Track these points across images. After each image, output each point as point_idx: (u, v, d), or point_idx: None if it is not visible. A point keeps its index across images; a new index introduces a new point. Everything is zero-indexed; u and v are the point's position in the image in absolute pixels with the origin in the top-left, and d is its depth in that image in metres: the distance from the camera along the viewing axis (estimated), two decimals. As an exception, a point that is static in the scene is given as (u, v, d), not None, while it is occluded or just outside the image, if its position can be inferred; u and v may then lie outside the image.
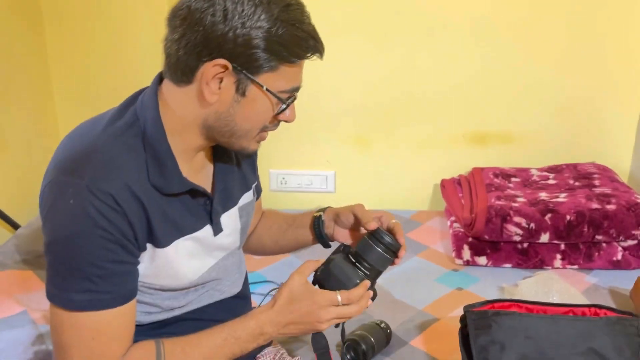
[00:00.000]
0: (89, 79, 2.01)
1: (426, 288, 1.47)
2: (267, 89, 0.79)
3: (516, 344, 0.98)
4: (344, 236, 1.04)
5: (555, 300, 1.29)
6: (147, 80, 0.88)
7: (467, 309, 1.03)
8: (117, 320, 0.80)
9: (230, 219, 0.93)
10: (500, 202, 1.60)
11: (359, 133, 2.01)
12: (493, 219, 1.53)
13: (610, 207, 1.53)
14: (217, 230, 0.90)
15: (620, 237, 1.50)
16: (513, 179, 1.82)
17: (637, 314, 1.24)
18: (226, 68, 0.77)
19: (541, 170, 1.87)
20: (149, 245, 0.82)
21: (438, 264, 1.61)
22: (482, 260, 1.56)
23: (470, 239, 1.57)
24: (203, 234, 0.88)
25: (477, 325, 1.00)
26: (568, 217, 1.51)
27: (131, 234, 0.78)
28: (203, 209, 0.88)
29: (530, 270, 1.54)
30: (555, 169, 1.86)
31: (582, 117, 1.93)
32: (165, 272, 0.85)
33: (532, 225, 1.51)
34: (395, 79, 1.95)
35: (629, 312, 1.01)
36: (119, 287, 0.79)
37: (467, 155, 1.99)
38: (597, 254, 1.53)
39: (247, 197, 0.98)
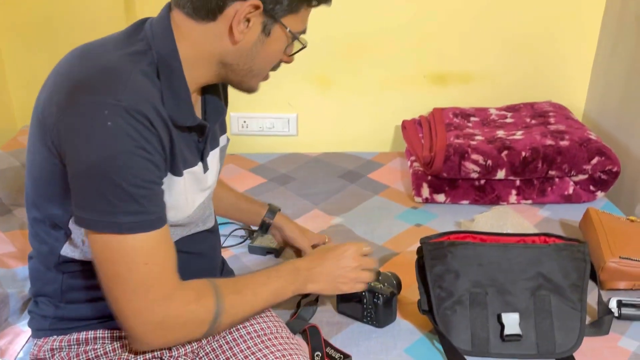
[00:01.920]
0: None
1: (386, 225, 1.50)
2: (289, 31, 0.83)
3: (469, 271, 1.02)
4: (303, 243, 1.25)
5: (509, 232, 1.33)
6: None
7: (423, 240, 1.06)
8: (165, 244, 0.79)
9: (214, 158, 0.94)
10: (458, 141, 1.62)
11: (320, 75, 1.99)
12: (451, 157, 1.56)
13: (564, 143, 1.57)
14: (206, 168, 0.91)
15: (572, 172, 1.55)
16: (472, 119, 1.85)
17: (591, 237, 1.31)
18: (257, 8, 0.78)
19: (499, 109, 1.90)
20: (168, 173, 0.82)
21: (398, 202, 1.64)
22: (441, 197, 1.60)
23: (429, 177, 1.60)
24: (197, 170, 0.88)
25: (432, 256, 1.03)
26: (523, 154, 1.55)
27: (163, 157, 0.78)
28: (196, 146, 0.88)
29: (487, 206, 1.59)
30: (513, 108, 1.89)
31: (540, 55, 1.95)
32: (176, 202, 0.84)
33: (489, 162, 1.54)
34: (356, 20, 1.92)
35: (576, 239, 1.06)
36: (161, 208, 0.78)
37: (428, 95, 2.00)
38: (550, 188, 1.58)
39: (224, 139, 1.00)
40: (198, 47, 0.81)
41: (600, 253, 1.20)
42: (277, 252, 1.33)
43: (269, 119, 2.04)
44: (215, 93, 0.92)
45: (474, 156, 1.55)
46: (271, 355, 0.89)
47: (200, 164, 0.88)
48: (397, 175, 1.79)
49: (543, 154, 1.54)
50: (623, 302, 1.10)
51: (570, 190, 1.58)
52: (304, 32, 0.87)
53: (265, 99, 2.02)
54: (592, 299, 1.12)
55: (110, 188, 0.73)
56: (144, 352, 0.87)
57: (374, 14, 1.91)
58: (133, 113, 0.73)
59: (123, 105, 0.72)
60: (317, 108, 2.03)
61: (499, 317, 1.00)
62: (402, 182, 1.74)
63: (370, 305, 1.07)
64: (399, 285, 1.14)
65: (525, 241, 1.08)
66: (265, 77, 0.91)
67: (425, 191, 1.60)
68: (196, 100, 0.89)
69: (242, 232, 1.43)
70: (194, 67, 0.82)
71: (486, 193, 1.59)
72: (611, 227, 1.26)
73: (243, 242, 1.39)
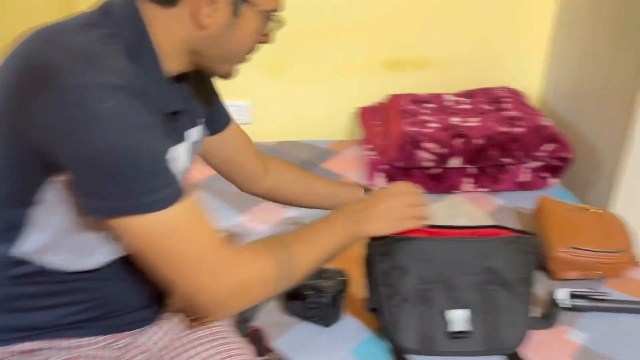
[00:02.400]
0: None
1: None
2: (261, 9, 0.78)
3: (416, 267, 0.98)
4: None
5: (463, 222, 1.31)
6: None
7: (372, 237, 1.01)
8: (201, 211, 0.74)
9: (182, 154, 0.85)
10: (413, 129, 1.58)
11: (274, 61, 1.92)
12: (406, 146, 1.52)
13: (518, 130, 1.55)
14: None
15: (526, 159, 1.54)
16: (428, 105, 1.81)
17: (539, 231, 1.29)
18: None
19: (456, 95, 1.86)
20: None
21: (353, 192, 1.59)
22: (395, 187, 1.56)
23: (384, 166, 1.56)
24: None
25: (379, 252, 0.99)
26: (477, 141, 1.52)
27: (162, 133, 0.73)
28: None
29: (442, 194, 1.56)
30: (469, 94, 1.86)
31: (496, 40, 1.92)
32: None
33: (444, 150, 1.51)
34: (310, 5, 1.85)
35: (527, 232, 1.03)
36: (179, 180, 0.73)
37: (384, 81, 1.96)
38: (504, 176, 1.56)
39: (197, 133, 0.90)
40: (165, 34, 0.75)
41: (551, 242, 1.19)
42: None
43: (220, 107, 1.96)
44: (186, 82, 0.84)
45: (428, 144, 1.51)
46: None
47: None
48: (353, 164, 1.74)
49: (497, 141, 1.52)
50: (574, 293, 1.08)
51: (525, 178, 1.57)
52: (275, 10, 0.82)
53: (218, 86, 1.94)
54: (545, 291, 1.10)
55: (128, 170, 0.67)
56: None
57: (328, 1, 1.84)
58: (125, 90, 0.67)
59: (112, 84, 0.67)
60: (271, 96, 1.97)
61: (446, 314, 0.97)
62: (358, 172, 1.69)
63: (315, 305, 1.03)
64: (346, 282, 1.10)
65: (477, 234, 1.04)
66: (245, 60, 0.84)
67: (380, 180, 1.56)
68: None
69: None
70: (164, 55, 0.76)
71: (441, 181, 1.56)
72: (563, 216, 1.24)
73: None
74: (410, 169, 1.55)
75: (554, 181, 1.58)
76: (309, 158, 1.80)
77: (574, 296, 1.07)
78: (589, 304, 1.06)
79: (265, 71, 1.93)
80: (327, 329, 1.04)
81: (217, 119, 1.03)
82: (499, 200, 1.54)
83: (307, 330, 1.04)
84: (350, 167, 1.72)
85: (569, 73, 1.81)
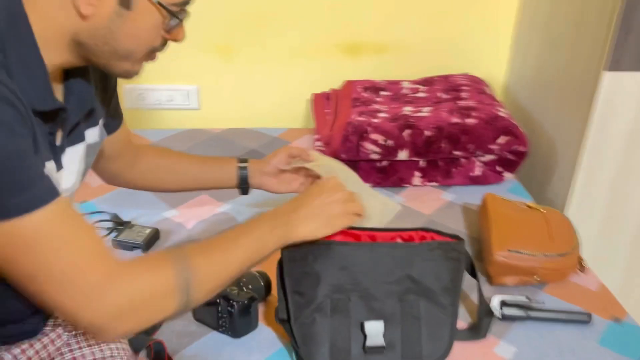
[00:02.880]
0: None
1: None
2: (158, 2, 0.69)
3: (331, 275, 0.90)
4: (271, 184, 1.11)
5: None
6: None
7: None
8: (76, 216, 0.66)
9: (74, 156, 0.78)
10: (360, 119, 1.49)
11: (223, 42, 1.81)
12: (350, 137, 1.42)
13: (470, 120, 1.46)
14: (59, 166, 0.74)
15: (478, 152, 1.45)
16: (382, 93, 1.71)
17: (481, 231, 1.21)
18: None
19: (413, 82, 1.77)
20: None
21: (296, 185, 1.50)
22: (341, 180, 1.47)
23: (329, 158, 1.47)
24: (50, 167, 0.71)
25: (291, 257, 0.90)
26: (426, 133, 1.43)
27: (31, 134, 0.64)
28: (47, 139, 0.71)
29: (390, 188, 1.48)
30: (428, 81, 1.77)
31: (459, 25, 1.82)
32: None
33: (390, 142, 1.42)
34: (259, -19, 1.74)
35: (454, 236, 0.95)
36: (47, 179, 0.63)
37: (341, 67, 1.86)
38: (455, 169, 1.48)
39: (94, 135, 0.83)
40: (46, 20, 0.66)
41: (489, 245, 1.11)
42: (143, 247, 1.19)
43: (166, 91, 1.86)
44: (83, 78, 0.76)
45: (374, 136, 1.42)
46: None
47: (52, 160, 0.72)
48: (301, 154, 1.65)
49: (447, 133, 1.43)
50: (506, 301, 1.01)
51: (477, 172, 1.48)
52: (185, 3, 0.72)
53: (162, 69, 1.83)
54: (476, 298, 1.02)
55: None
56: None
57: (278, -24, 1.73)
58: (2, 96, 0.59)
59: None
60: (219, 80, 1.86)
61: (362, 326, 0.88)
62: (305, 163, 1.61)
63: (225, 314, 0.94)
64: (267, 287, 1.02)
65: (401, 237, 0.96)
66: (149, 59, 0.76)
67: (324, 173, 1.47)
68: (56, 86, 0.73)
69: (109, 224, 1.28)
70: (45, 44, 0.66)
71: (388, 175, 1.47)
72: (505, 216, 1.16)
73: (107, 235, 1.24)
74: (356, 162, 1.46)
75: (508, 176, 1.50)
76: (256, 147, 1.70)
77: (504, 304, 1.00)
78: (519, 313, 0.98)
79: (213, 53, 1.82)
80: (237, 340, 0.96)
81: (114, 117, 0.96)
82: (449, 195, 1.46)
83: (216, 340, 0.96)
84: (298, 157, 1.63)
85: (531, 61, 1.71)
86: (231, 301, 0.94)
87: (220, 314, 0.95)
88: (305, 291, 0.90)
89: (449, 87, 1.70)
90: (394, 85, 1.75)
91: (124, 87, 1.84)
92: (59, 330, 0.80)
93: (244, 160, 1.10)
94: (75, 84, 0.75)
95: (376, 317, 0.89)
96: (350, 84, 1.75)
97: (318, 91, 1.85)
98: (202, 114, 1.91)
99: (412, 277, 0.90)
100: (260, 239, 0.81)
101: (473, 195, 1.44)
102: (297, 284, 0.90)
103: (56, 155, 0.73)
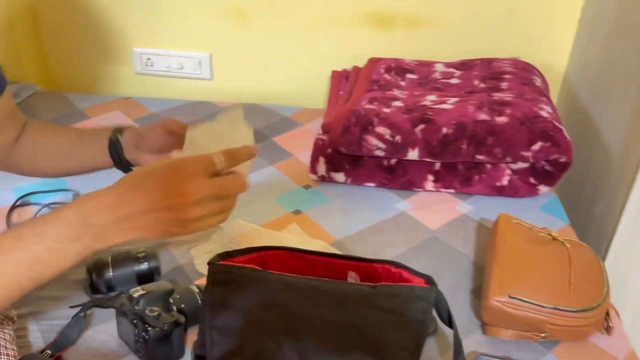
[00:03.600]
0: None
1: (258, 209, 1.19)
2: None
3: (258, 313, 0.71)
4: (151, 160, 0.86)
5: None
6: None
7: (212, 261, 0.75)
8: None
9: None
10: (368, 106, 1.27)
11: (237, 6, 1.63)
12: (352, 128, 1.21)
13: (501, 119, 1.20)
14: None
15: (508, 158, 1.19)
16: (408, 76, 1.47)
17: (486, 262, 0.98)
18: None
19: (448, 65, 1.51)
20: None
21: (292, 177, 1.32)
22: (340, 177, 1.27)
23: (329, 150, 1.27)
24: None
25: (214, 283, 0.73)
26: (444, 130, 1.19)
27: None
28: None
29: (397, 191, 1.26)
30: (466, 65, 1.50)
31: (512, -1, 1.53)
32: None
33: (398, 138, 1.19)
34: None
35: (427, 277, 0.73)
36: None
37: (368, 41, 1.62)
38: (477, 177, 1.23)
39: None
40: None
41: (487, 284, 0.88)
42: None
43: (176, 58, 1.71)
44: None
45: (380, 129, 1.20)
46: None
47: None
48: (309, 141, 1.45)
49: (470, 132, 1.18)
50: (491, 364, 0.79)
51: (504, 181, 1.23)
52: None
53: (173, 33, 1.68)
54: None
55: None
56: None
57: None
58: None
59: None
60: (233, 48, 1.69)
61: (292, 384, 0.70)
62: (310, 152, 1.41)
63: (141, 338, 0.79)
64: (195, 310, 0.85)
65: (362, 270, 0.76)
66: None
67: (322, 167, 1.27)
68: None
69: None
70: None
71: (396, 176, 1.25)
72: (515, 248, 0.92)
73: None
74: (360, 157, 1.24)
75: (543, 189, 1.23)
76: (261, 128, 1.52)
77: (489, 370, 0.78)
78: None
79: (227, 19, 1.64)
80: (154, 370, 0.81)
81: None
82: (466, 207, 1.22)
83: (131, 366, 0.82)
84: (304, 144, 1.43)
85: (596, 52, 1.40)
86: (147, 325, 0.78)
87: (136, 337, 0.80)
88: (225, 327, 0.72)
89: (489, 73, 1.43)
90: (424, 67, 1.50)
91: (133, 50, 1.71)
92: None
93: (118, 131, 0.87)
94: None
95: (310, 375, 0.70)
96: (373, 62, 1.52)
97: (340, 68, 1.63)
98: (215, 85, 1.75)
99: (359, 328, 0.70)
100: (57, 247, 0.54)
101: (496, 209, 1.18)
102: (216, 316, 0.73)
103: None
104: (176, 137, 0.84)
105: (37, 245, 0.53)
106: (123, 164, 0.87)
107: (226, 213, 0.63)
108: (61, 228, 0.54)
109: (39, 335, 0.86)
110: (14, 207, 1.13)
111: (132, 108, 1.61)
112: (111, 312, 0.86)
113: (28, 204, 1.16)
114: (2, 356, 0.72)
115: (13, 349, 0.76)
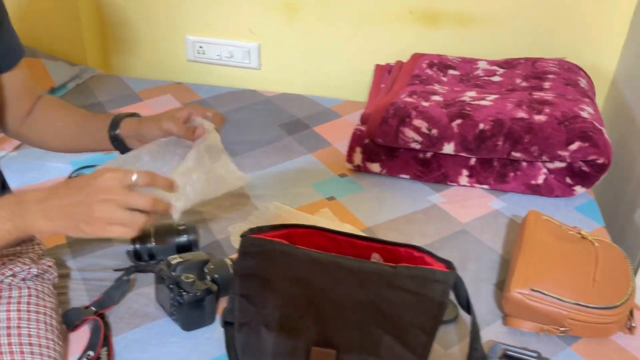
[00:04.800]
0: None
1: (293, 194, 1.24)
2: None
3: (284, 285, 0.76)
4: (177, 127, 0.82)
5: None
6: None
7: (246, 233, 0.80)
8: None
9: None
10: (407, 99, 1.29)
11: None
12: (389, 119, 1.24)
13: (539, 117, 1.20)
14: None
15: (544, 157, 1.19)
16: (450, 72, 1.48)
17: (513, 256, 0.99)
18: None
19: (492, 63, 1.51)
20: None
21: (328, 166, 1.36)
22: (375, 167, 1.30)
23: (366, 141, 1.30)
24: None
25: (245, 252, 0.78)
26: (481, 126, 1.20)
27: None
28: None
29: (431, 184, 1.28)
30: (509, 63, 1.50)
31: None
32: None
33: (434, 131, 1.21)
34: None
35: (447, 263, 0.76)
36: None
37: (414, 37, 1.64)
38: (512, 174, 1.23)
39: None
40: None
41: (510, 276, 0.89)
42: None
43: (227, 47, 1.78)
44: None
45: (417, 122, 1.22)
46: None
47: None
48: (348, 132, 1.49)
49: (507, 130, 1.19)
50: (509, 353, 0.80)
51: (540, 180, 1.23)
52: None
53: (224, 23, 1.75)
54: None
55: None
56: None
57: None
58: None
59: None
60: (282, 38, 1.74)
61: (309, 353, 0.75)
62: (347, 142, 1.44)
63: (176, 302, 0.86)
64: (227, 281, 0.91)
65: (388, 250, 0.79)
66: None
67: (358, 157, 1.31)
68: None
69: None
70: None
71: (431, 169, 1.27)
72: (542, 243, 0.93)
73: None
74: (396, 149, 1.27)
75: (581, 190, 1.22)
76: (303, 117, 1.57)
77: (506, 357, 0.80)
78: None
79: (277, 11, 1.69)
80: (186, 333, 0.87)
81: (7, 52, 0.83)
82: (499, 203, 1.23)
83: (165, 328, 0.88)
84: (343, 135, 1.47)
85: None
86: (182, 290, 0.84)
87: (172, 302, 0.86)
88: (253, 296, 0.77)
89: (532, 73, 1.42)
90: (467, 64, 1.51)
91: (186, 38, 1.79)
92: None
93: (116, 124, 0.86)
94: None
95: (327, 345, 0.74)
96: (417, 58, 1.54)
97: (384, 62, 1.66)
98: (262, 74, 1.81)
99: (379, 306, 0.74)
100: None
101: (529, 207, 1.17)
102: (245, 285, 0.78)
103: None
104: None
105: None
106: (120, 150, 0.88)
107: (130, 228, 0.64)
108: (1, 209, 0.64)
109: (84, 293, 0.94)
110: (69, 178, 1.22)
111: (183, 93, 1.69)
112: (151, 278, 0.93)
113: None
114: (40, 307, 0.80)
115: (51, 302, 0.83)
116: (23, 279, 0.80)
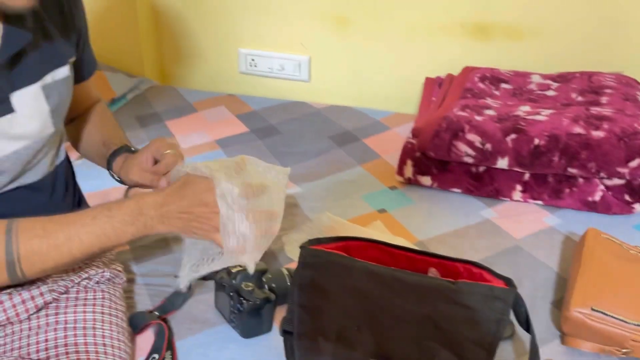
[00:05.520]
0: None
1: (344, 205, 1.25)
2: None
3: (342, 296, 0.77)
4: (140, 176, 0.85)
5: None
6: None
7: (305, 244, 0.82)
8: None
9: (30, 97, 0.75)
10: (460, 113, 1.29)
11: (338, 13, 1.71)
12: (442, 133, 1.24)
13: (597, 133, 1.18)
14: (3, 110, 0.73)
15: (602, 174, 1.17)
16: (503, 85, 1.47)
17: (570, 274, 0.98)
18: None
19: (546, 77, 1.49)
20: None
21: (379, 178, 1.37)
22: (426, 180, 1.30)
23: (417, 154, 1.31)
24: None
25: (305, 266, 0.80)
26: (536, 141, 1.19)
27: None
28: None
29: (483, 198, 1.27)
30: (564, 77, 1.48)
31: (617, 8, 1.48)
32: None
33: (488, 146, 1.21)
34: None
35: (507, 280, 0.76)
36: None
37: (464, 50, 1.64)
38: (568, 190, 1.21)
39: (60, 72, 0.80)
40: None
41: (570, 295, 0.88)
42: None
43: (278, 59, 1.82)
44: (21, 16, 0.72)
45: (470, 136, 1.22)
46: (66, 355, 0.74)
47: None
48: (397, 144, 1.50)
49: (563, 145, 1.17)
50: (568, 373, 0.79)
51: (597, 197, 1.20)
52: None
53: (276, 36, 1.79)
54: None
55: None
56: None
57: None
58: None
59: None
60: (332, 51, 1.77)
61: (367, 364, 0.76)
62: (398, 155, 1.45)
63: (235, 310, 0.88)
64: (285, 290, 0.93)
65: (445, 265, 0.80)
66: None
67: (409, 170, 1.31)
68: None
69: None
70: None
71: (483, 183, 1.26)
72: (602, 262, 0.91)
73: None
74: (447, 162, 1.27)
75: (639, 208, 1.19)
76: (352, 129, 1.59)
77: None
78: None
79: (328, 24, 1.73)
80: (245, 340, 0.89)
81: (81, 66, 0.88)
82: (554, 219, 1.21)
83: (225, 335, 0.90)
84: (392, 147, 1.48)
85: None
86: (242, 298, 0.87)
87: (231, 309, 0.89)
88: (311, 306, 0.79)
89: (588, 87, 1.40)
90: (520, 77, 1.50)
91: (239, 51, 1.84)
92: (44, 287, 0.80)
93: (118, 152, 0.90)
94: (12, 25, 0.70)
95: (385, 358, 0.75)
96: (468, 71, 1.54)
97: (434, 75, 1.66)
98: (312, 86, 1.84)
99: (437, 321, 0.74)
100: (115, 230, 0.71)
101: (585, 224, 1.16)
102: (304, 295, 0.80)
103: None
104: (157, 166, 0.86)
105: (106, 224, 0.70)
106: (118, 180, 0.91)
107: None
108: (124, 214, 0.71)
109: (147, 298, 0.98)
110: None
111: (235, 104, 1.74)
112: (211, 285, 0.96)
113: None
114: (112, 309, 0.84)
115: (122, 305, 0.87)
116: (97, 282, 0.84)
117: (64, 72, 0.80)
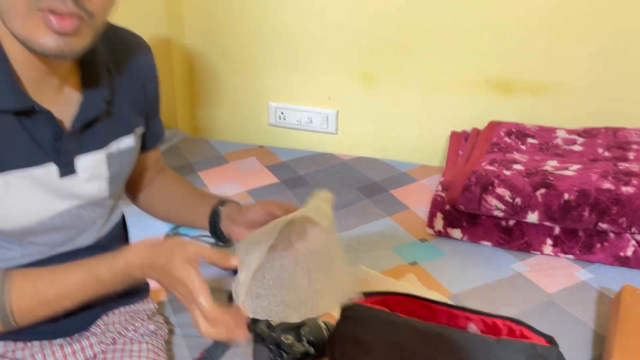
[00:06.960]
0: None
1: (376, 257, 1.27)
2: None
3: (382, 350, 0.79)
4: (241, 235, 0.84)
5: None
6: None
7: (345, 298, 0.84)
8: None
9: (92, 163, 0.79)
10: (489, 168, 1.32)
11: (365, 69, 1.77)
12: (472, 187, 1.27)
13: (627, 189, 1.19)
14: (67, 171, 0.77)
15: (632, 229, 1.18)
16: (529, 140, 1.50)
17: (607, 332, 0.97)
18: None
19: (571, 132, 1.52)
20: None
21: (408, 230, 1.39)
22: (457, 233, 1.32)
23: (447, 207, 1.33)
24: (41, 172, 0.73)
25: (346, 316, 0.82)
26: (566, 196, 1.21)
27: None
28: (51, 143, 0.73)
29: (513, 252, 1.28)
30: (589, 133, 1.51)
31: (638, 65, 1.52)
32: None
33: (518, 200, 1.23)
34: (410, 8, 1.66)
35: (549, 338, 0.76)
36: None
37: (489, 105, 1.69)
38: (599, 245, 1.22)
39: (126, 142, 0.83)
40: None
41: (609, 355, 0.88)
42: None
43: (306, 113, 1.88)
44: (99, 85, 0.75)
45: (500, 190, 1.24)
46: None
47: (52, 165, 0.73)
48: (425, 196, 1.53)
49: (593, 200, 1.19)
50: None
51: (629, 252, 1.21)
52: None
53: (305, 90, 1.86)
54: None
55: None
56: None
57: (431, 4, 1.63)
58: None
59: None
60: (359, 106, 1.82)
61: (410, 421, 0.76)
62: (426, 207, 1.48)
63: None
64: (322, 344, 0.94)
65: (482, 323, 0.81)
66: (47, 22, 0.60)
67: (439, 223, 1.33)
68: (65, 92, 0.73)
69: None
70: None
71: (513, 237, 1.28)
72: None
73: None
74: (478, 215, 1.29)
75: (672, 264, 1.19)
76: (380, 180, 1.63)
77: None
78: None
79: (355, 79, 1.79)
80: (283, 393, 0.90)
81: (149, 135, 0.91)
82: (586, 274, 1.21)
83: (263, 388, 0.91)
84: (420, 199, 1.51)
85: None
86: (282, 351, 0.88)
87: (271, 361, 0.90)
88: (348, 355, 0.80)
89: (614, 143, 1.43)
90: (546, 132, 1.53)
91: (269, 104, 1.91)
92: (93, 339, 0.82)
93: (221, 203, 0.89)
94: (90, 92, 0.73)
95: (428, 415, 0.76)
96: (494, 126, 1.58)
97: (459, 129, 1.70)
98: (339, 139, 1.89)
99: (480, 378, 0.75)
100: (110, 287, 0.72)
101: (618, 279, 1.18)
102: (345, 349, 0.81)
103: (61, 160, 0.74)
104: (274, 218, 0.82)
105: (98, 284, 0.72)
106: (217, 233, 0.89)
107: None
108: (114, 275, 0.72)
109: (185, 349, 0.99)
110: (167, 236, 1.31)
111: (265, 156, 1.79)
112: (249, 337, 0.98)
113: (178, 234, 1.34)
114: None
115: (164, 357, 0.89)
116: (142, 334, 0.86)
117: (129, 142, 0.83)
